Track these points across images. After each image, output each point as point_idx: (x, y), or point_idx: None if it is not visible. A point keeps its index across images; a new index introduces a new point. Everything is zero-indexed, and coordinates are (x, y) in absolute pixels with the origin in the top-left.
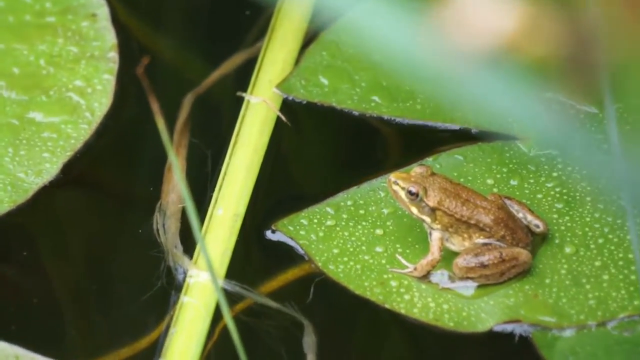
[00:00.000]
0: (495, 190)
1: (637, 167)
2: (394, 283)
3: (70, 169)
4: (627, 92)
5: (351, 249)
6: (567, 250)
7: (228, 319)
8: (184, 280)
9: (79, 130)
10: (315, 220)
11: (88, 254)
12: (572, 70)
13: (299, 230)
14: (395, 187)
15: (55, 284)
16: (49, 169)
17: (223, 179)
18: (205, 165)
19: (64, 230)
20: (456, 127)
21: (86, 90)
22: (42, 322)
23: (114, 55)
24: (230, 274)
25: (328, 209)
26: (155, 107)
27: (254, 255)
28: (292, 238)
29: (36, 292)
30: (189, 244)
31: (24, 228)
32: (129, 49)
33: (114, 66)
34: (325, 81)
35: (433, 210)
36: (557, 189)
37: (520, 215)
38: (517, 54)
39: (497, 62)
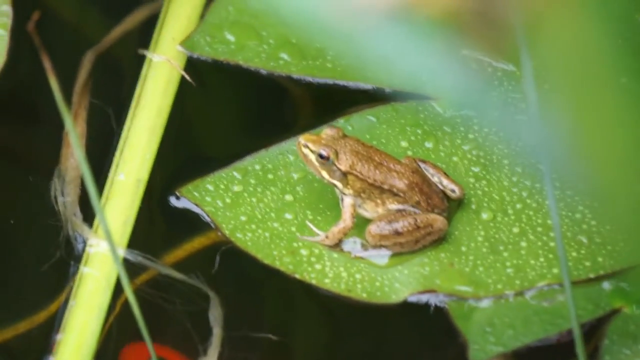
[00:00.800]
0: (409, 153)
1: (556, 128)
2: (304, 252)
3: None
4: (545, 49)
5: (259, 216)
6: (484, 216)
7: (128, 291)
8: (83, 250)
9: None
10: (222, 186)
11: None
12: (483, 25)
13: (204, 196)
14: (305, 150)
15: None
16: None
17: (124, 142)
18: (106, 128)
19: None
20: (369, 86)
21: None
22: None
23: (7, 9)
24: (133, 243)
25: (235, 174)
26: (47, 65)
27: (158, 223)
28: (197, 205)
29: None
30: (90, 211)
31: None
32: (24, 3)
33: (8, 21)
34: (231, 38)
35: (345, 175)
36: (474, 152)
37: (435, 179)
38: (428, 8)
39: (409, 17)
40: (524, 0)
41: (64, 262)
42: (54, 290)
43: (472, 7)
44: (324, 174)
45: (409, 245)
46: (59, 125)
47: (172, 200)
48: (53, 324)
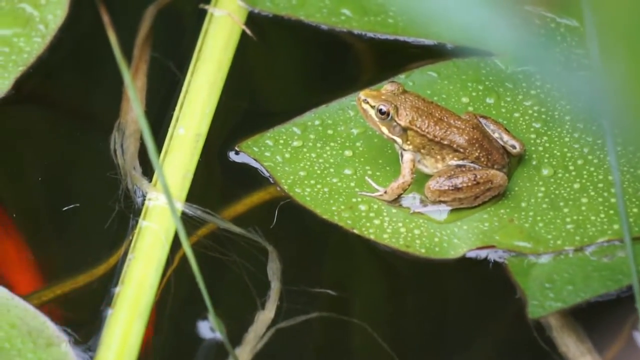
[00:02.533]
0: (470, 109)
1: (619, 84)
2: (363, 207)
3: (23, 85)
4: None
5: (318, 171)
6: (545, 172)
7: (186, 245)
8: (142, 203)
9: (32, 44)
10: (281, 141)
11: (42, 176)
12: None
13: (264, 151)
14: (364, 106)
15: (9, 206)
16: (0, 85)
17: (184, 96)
18: (167, 82)
19: (17, 150)
20: (430, 42)
21: (40, 2)
22: None
23: None
24: (192, 197)
25: (295, 129)
26: (106, 19)
27: (217, 177)
28: (256, 159)
29: None
30: (149, 165)
31: None
32: None
33: None
34: None
35: (404, 130)
36: (535, 108)
37: (496, 135)
38: None
39: None
40: None
41: (123, 216)
42: (114, 243)
43: None
44: (384, 129)
45: (469, 201)
46: (120, 80)
47: (231, 155)
48: (112, 277)
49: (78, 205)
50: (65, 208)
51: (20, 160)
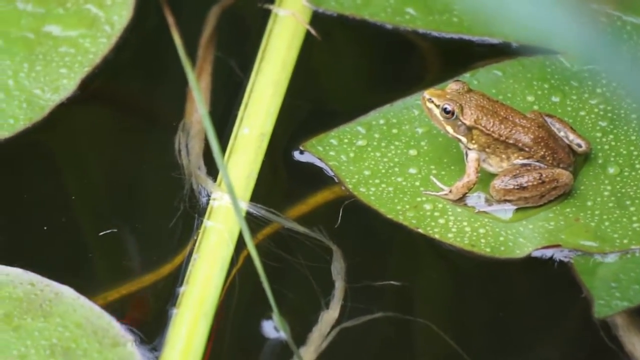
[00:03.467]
0: (535, 107)
1: None
2: (427, 206)
3: (88, 85)
4: None
5: (383, 171)
6: (611, 170)
7: (250, 245)
8: (207, 203)
9: (98, 44)
10: (346, 140)
11: (108, 175)
12: None
13: (328, 150)
14: (429, 105)
15: (75, 206)
16: (66, 85)
17: (249, 96)
18: (232, 82)
19: (83, 149)
20: (495, 41)
21: (105, 2)
22: (62, 247)
23: None
24: (256, 197)
25: (359, 128)
26: (170, 20)
27: (281, 177)
28: (321, 159)
29: (54, 215)
30: (214, 164)
31: (40, 146)
32: None
33: None
34: None
35: (469, 129)
36: (601, 106)
37: (561, 134)
38: None
39: None
40: None
41: (188, 215)
42: (179, 243)
43: None
44: (449, 128)
45: (534, 200)
46: (185, 80)
47: (296, 155)
48: (177, 277)
49: (115, 230)
50: (102, 233)
51: (86, 159)
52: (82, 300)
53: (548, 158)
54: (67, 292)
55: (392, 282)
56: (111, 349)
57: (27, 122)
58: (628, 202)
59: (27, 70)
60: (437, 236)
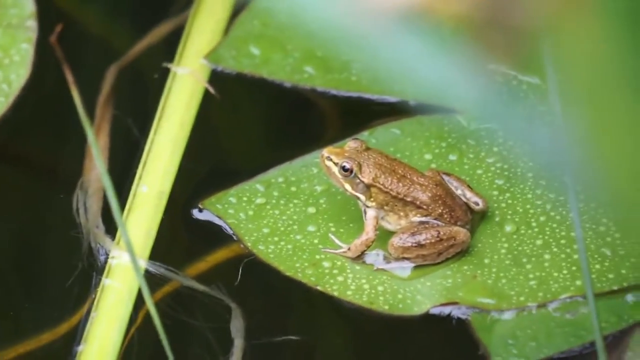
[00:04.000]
0: (433, 165)
1: (581, 141)
2: (326, 264)
3: None
4: (568, 57)
5: (282, 228)
6: (508, 228)
7: (149, 303)
8: (105, 262)
9: None
10: (245, 198)
11: (5, 233)
12: (500, 33)
13: (227, 208)
14: (328, 163)
15: None
16: None
17: (147, 154)
18: (130, 141)
19: None
20: (393, 99)
21: (3, 61)
22: None
23: (32, 23)
24: (155, 255)
25: (258, 186)
26: (69, 78)
27: (180, 235)
28: (220, 217)
29: None
30: (112, 223)
31: None
32: (49, 17)
33: (33, 35)
34: (256, 51)
35: (368, 187)
36: (498, 165)
37: (459, 192)
38: (435, 15)
39: (433, 29)
40: (539, 3)
41: (86, 274)
42: (76, 302)
43: (482, 14)
44: (347, 186)
45: (432, 258)
46: (83, 138)
47: (195, 213)
48: (75, 335)
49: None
50: None
51: None
52: None
53: (446, 216)
54: None
55: (291, 337)
56: None
57: None
58: (524, 260)
59: None
60: (336, 293)
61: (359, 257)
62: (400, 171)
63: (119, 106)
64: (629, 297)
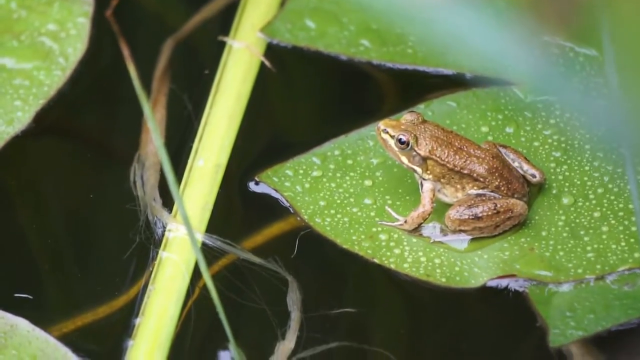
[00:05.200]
0: (489, 138)
1: (638, 113)
2: (383, 236)
3: (43, 117)
4: (627, 32)
5: (338, 201)
6: (565, 201)
7: (206, 276)
8: (163, 235)
9: (53, 77)
10: (301, 171)
11: (63, 207)
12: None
13: (283, 181)
14: (384, 136)
15: (29, 239)
16: (21, 117)
17: (204, 128)
18: (186, 114)
19: (37, 182)
20: (449, 72)
21: (59, 35)
22: (16, 280)
23: None
24: (212, 228)
25: (314, 159)
26: (126, 52)
27: (237, 208)
28: (276, 190)
29: (8, 247)
30: (169, 196)
31: None
32: None
33: (89, 9)
34: (311, 24)
35: (424, 160)
36: (555, 137)
37: (515, 164)
38: None
39: (486, 1)
40: None
41: (143, 247)
42: (134, 275)
43: None
44: (403, 159)
45: (489, 230)
46: (139, 112)
47: (251, 186)
48: (133, 308)
49: (31, 297)
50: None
51: (41, 192)
52: (37, 332)
53: (502, 188)
54: (22, 324)
55: (348, 310)
56: None
57: None
58: (582, 232)
59: None
60: (392, 266)
61: (416, 230)
62: (456, 144)
63: (175, 80)
64: None
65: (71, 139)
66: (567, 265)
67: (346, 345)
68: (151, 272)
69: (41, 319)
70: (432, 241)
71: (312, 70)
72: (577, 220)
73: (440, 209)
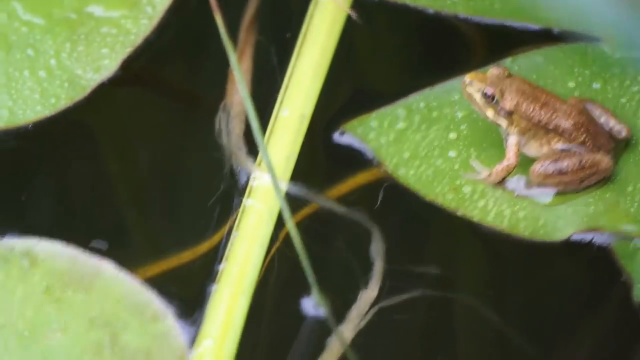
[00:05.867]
0: (576, 93)
1: None
2: (467, 189)
3: (129, 65)
4: None
5: (423, 153)
6: None
7: (289, 224)
8: (247, 183)
9: (140, 25)
10: (386, 123)
11: (148, 154)
12: None
13: (368, 132)
14: (470, 89)
15: (115, 185)
16: (108, 65)
17: (289, 79)
18: (272, 65)
19: (124, 129)
20: (536, 27)
21: None
22: (103, 224)
23: None
24: (296, 177)
25: (400, 111)
26: (213, 1)
27: (321, 158)
28: (361, 141)
29: (95, 192)
30: (254, 145)
31: (81, 126)
32: None
33: None
34: None
35: (509, 114)
36: None
37: (602, 120)
38: None
39: None
40: None
41: (228, 195)
42: (217, 222)
43: None
44: (489, 113)
45: (574, 185)
46: (226, 62)
47: (336, 136)
48: (216, 254)
49: (103, 247)
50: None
51: (127, 138)
52: (123, 274)
53: (588, 144)
54: (108, 267)
55: (431, 263)
56: (151, 323)
57: (68, 102)
58: None
59: (69, 50)
60: (476, 219)
61: (500, 183)
62: (542, 98)
63: (262, 31)
64: None
65: (157, 87)
66: None
67: (429, 295)
68: (235, 219)
69: (127, 263)
70: (516, 194)
71: (398, 23)
72: None
73: (524, 162)
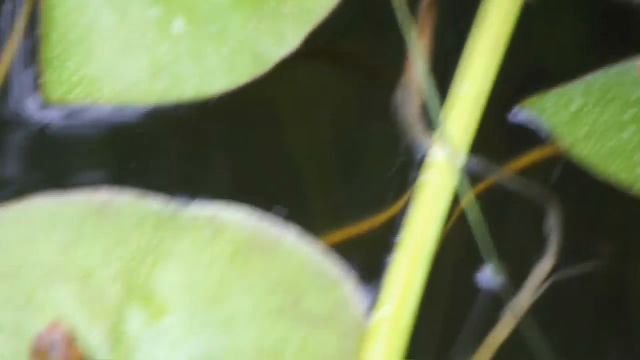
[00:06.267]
0: None
1: None
2: None
3: (313, 40)
4: None
5: (597, 133)
6: None
7: (466, 198)
8: (424, 157)
9: (322, 2)
10: (562, 102)
11: (328, 127)
12: None
13: (544, 110)
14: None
15: (297, 156)
16: (290, 41)
17: (468, 57)
18: (451, 43)
19: (304, 102)
20: None
21: None
22: (284, 193)
23: None
24: (472, 153)
25: (575, 91)
26: None
27: (497, 134)
28: (536, 119)
29: (277, 162)
30: (431, 121)
31: (264, 100)
32: None
33: None
34: None
35: None
36: None
37: None
38: None
39: None
40: None
41: (405, 168)
42: (395, 194)
43: None
44: None
45: None
46: (405, 39)
47: (512, 114)
48: (393, 226)
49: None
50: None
51: (307, 111)
52: (304, 242)
53: None
54: (290, 234)
55: (605, 238)
56: (331, 290)
57: (250, 77)
58: None
59: (254, 25)
60: None
61: None
62: None
63: (440, 10)
64: None
65: (337, 62)
66: None
67: (604, 270)
68: (412, 192)
69: (307, 230)
70: None
71: (575, 4)
72: None
73: None
